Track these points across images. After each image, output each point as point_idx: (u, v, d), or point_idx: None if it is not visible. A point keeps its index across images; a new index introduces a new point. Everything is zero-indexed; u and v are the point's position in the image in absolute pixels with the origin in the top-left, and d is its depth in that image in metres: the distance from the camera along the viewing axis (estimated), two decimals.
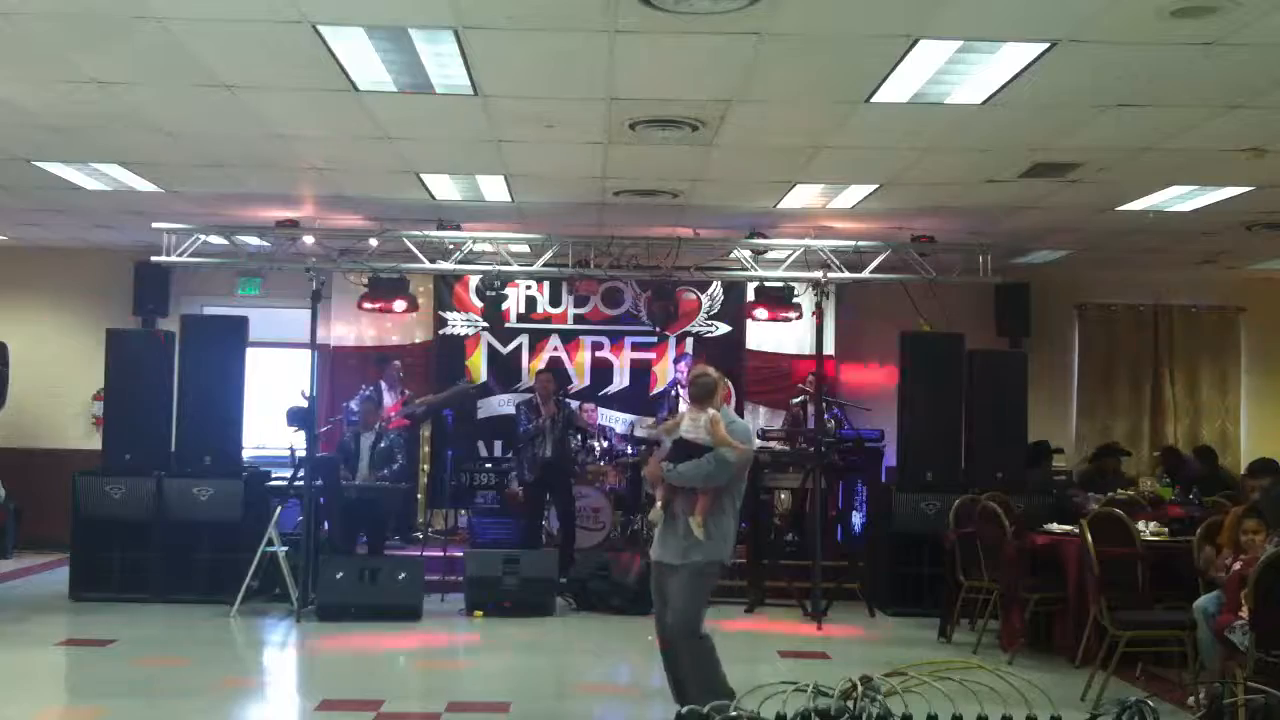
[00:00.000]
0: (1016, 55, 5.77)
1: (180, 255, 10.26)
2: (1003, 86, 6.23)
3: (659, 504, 5.71)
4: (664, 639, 5.70)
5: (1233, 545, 6.42)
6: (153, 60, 6.07)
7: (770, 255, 10.88)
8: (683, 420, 5.75)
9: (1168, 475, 10.47)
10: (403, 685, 7.22)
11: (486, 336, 12.44)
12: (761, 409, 12.57)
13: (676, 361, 12.28)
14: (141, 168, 8.66)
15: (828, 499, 10.58)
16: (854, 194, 9.12)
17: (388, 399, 11.46)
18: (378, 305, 11.12)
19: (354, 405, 10.92)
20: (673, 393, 11.79)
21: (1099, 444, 11.85)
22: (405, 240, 10.12)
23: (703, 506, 5.51)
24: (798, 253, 10.32)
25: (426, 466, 12.19)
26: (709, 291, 12.48)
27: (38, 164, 8.55)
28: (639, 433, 11.98)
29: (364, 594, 8.84)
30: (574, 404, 11.67)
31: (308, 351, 9.79)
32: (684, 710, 2.87)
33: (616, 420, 12.36)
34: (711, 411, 5.63)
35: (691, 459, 5.56)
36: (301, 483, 9.15)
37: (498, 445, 12.30)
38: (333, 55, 5.91)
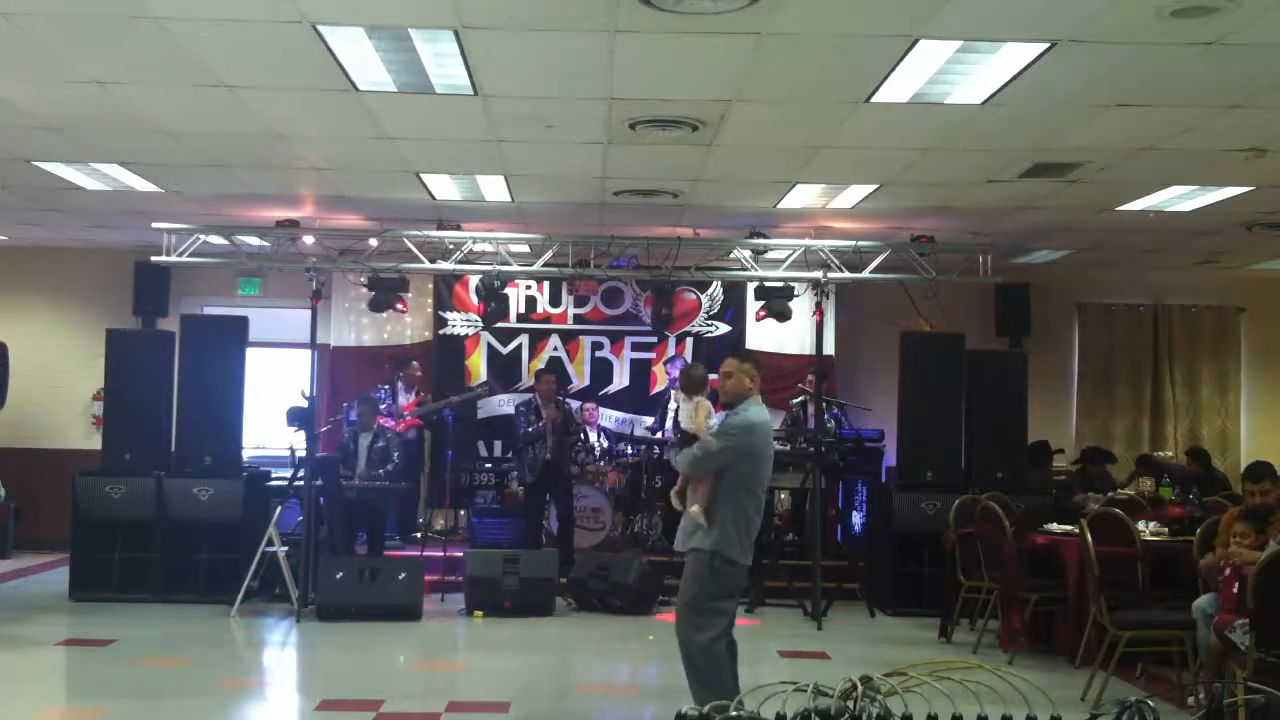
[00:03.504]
0: (1016, 55, 5.77)
1: (180, 255, 10.25)
2: (1003, 86, 6.23)
3: (674, 491, 5.74)
4: None
5: (1226, 547, 6.42)
6: (153, 60, 6.07)
7: (770, 255, 10.88)
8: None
9: (1150, 479, 10.45)
10: (403, 685, 7.22)
11: (486, 336, 12.44)
12: None
13: (667, 363, 12.27)
14: (141, 168, 8.66)
15: (828, 499, 10.59)
16: (854, 194, 9.12)
17: (402, 399, 11.48)
18: (378, 307, 11.11)
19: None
20: (668, 395, 11.84)
21: (1092, 445, 11.82)
22: (405, 240, 10.12)
23: (700, 494, 5.50)
24: (798, 253, 10.32)
25: (426, 466, 12.20)
26: (709, 291, 12.49)
27: (38, 164, 8.55)
28: (638, 431, 11.99)
29: (364, 594, 8.84)
30: (575, 404, 11.68)
31: (308, 351, 9.80)
32: (684, 710, 2.86)
33: (616, 420, 12.36)
34: (696, 399, 5.68)
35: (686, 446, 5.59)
36: (301, 483, 9.16)
37: (497, 445, 12.30)
38: (333, 55, 5.91)
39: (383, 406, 10.90)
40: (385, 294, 10.61)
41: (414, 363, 11.84)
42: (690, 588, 5.53)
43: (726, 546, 5.44)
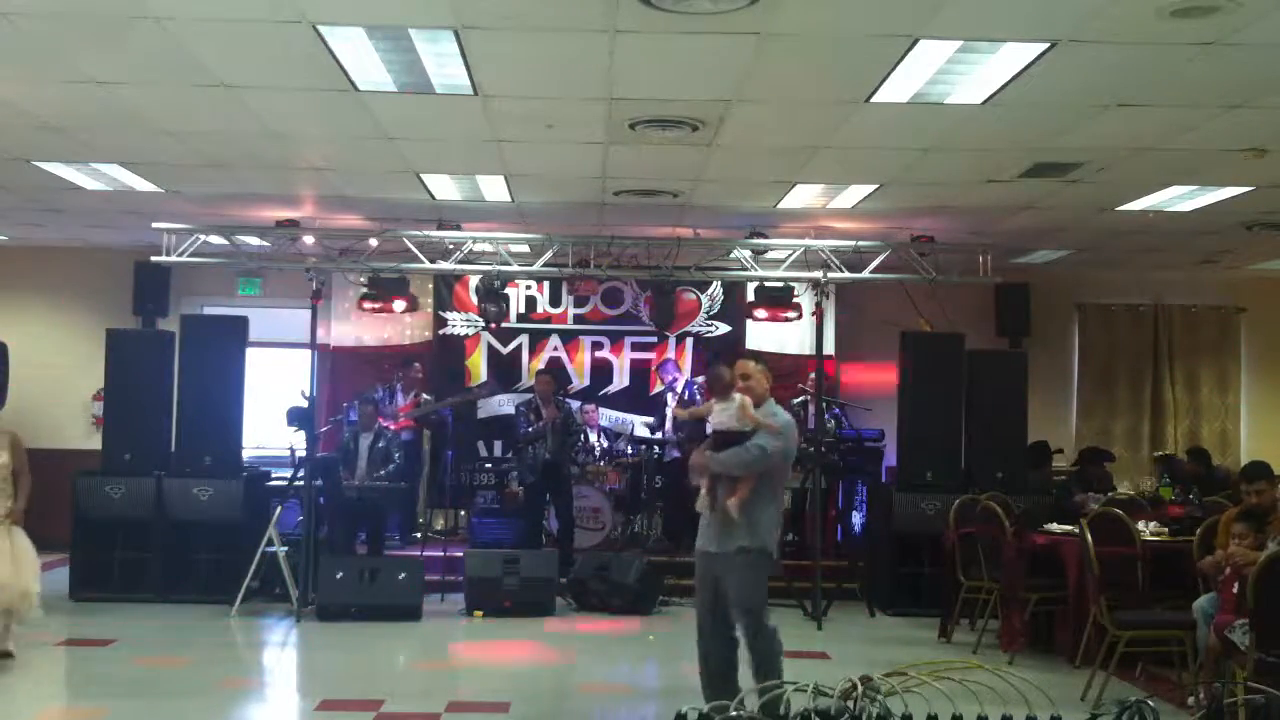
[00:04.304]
0: (1016, 55, 5.77)
1: (180, 255, 10.25)
2: (1003, 86, 6.23)
3: (704, 492, 5.74)
4: (701, 626, 5.74)
5: (1225, 547, 6.42)
6: (153, 60, 6.07)
7: (770, 255, 10.88)
8: (711, 411, 5.77)
9: (1168, 477, 10.45)
10: (403, 685, 7.22)
11: (486, 336, 12.45)
12: None
13: (659, 368, 12.29)
14: (141, 168, 8.66)
15: (828, 499, 10.59)
16: (854, 194, 9.12)
17: (400, 399, 11.49)
18: (378, 305, 11.12)
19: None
20: (666, 396, 11.80)
21: (1091, 445, 11.81)
22: (405, 240, 10.11)
23: (740, 492, 5.54)
24: (798, 253, 10.31)
25: (426, 466, 12.20)
26: (709, 291, 12.49)
27: (38, 164, 8.55)
28: (639, 432, 12.00)
29: (364, 594, 8.84)
30: (575, 404, 11.68)
31: (308, 351, 9.79)
32: (684, 710, 2.87)
33: (616, 420, 12.36)
34: (738, 397, 5.64)
35: (730, 447, 5.58)
36: (301, 483, 9.16)
37: (497, 445, 12.31)
38: (333, 55, 5.91)
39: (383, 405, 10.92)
40: (373, 294, 10.62)
41: (416, 365, 11.87)
42: (745, 587, 5.57)
43: (770, 541, 5.64)
